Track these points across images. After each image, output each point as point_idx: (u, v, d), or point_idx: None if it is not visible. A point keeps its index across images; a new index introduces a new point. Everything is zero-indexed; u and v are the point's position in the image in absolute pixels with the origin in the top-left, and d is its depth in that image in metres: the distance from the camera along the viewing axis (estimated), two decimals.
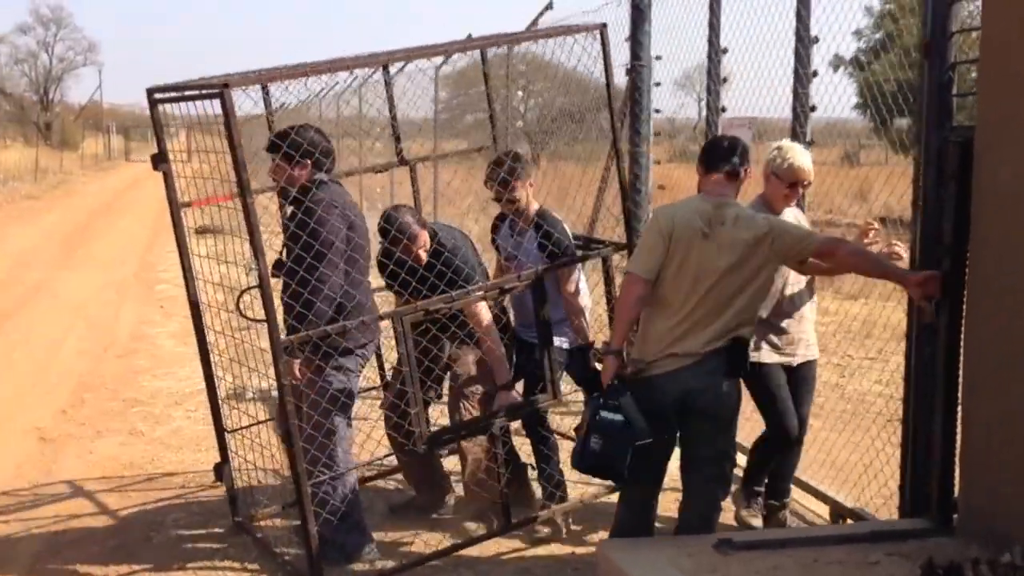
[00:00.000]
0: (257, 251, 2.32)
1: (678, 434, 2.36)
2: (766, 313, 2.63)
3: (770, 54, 3.04)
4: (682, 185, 3.71)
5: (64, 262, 8.86)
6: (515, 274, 2.76)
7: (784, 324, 2.68)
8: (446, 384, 3.03)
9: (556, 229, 2.83)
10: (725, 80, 3.37)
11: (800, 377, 2.72)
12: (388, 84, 3.05)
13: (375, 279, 2.89)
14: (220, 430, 2.95)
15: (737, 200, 2.40)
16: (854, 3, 2.83)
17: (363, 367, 2.73)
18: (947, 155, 2.16)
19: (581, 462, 2.32)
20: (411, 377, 2.53)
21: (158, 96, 2.71)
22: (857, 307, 4.14)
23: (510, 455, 2.93)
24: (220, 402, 2.95)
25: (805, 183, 2.67)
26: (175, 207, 2.78)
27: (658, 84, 3.66)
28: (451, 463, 3.21)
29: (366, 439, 3.18)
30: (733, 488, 2.91)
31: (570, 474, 3.04)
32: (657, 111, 3.72)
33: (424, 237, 2.68)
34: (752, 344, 2.62)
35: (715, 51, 3.36)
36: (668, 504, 2.71)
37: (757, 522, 2.79)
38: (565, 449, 2.97)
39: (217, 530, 2.98)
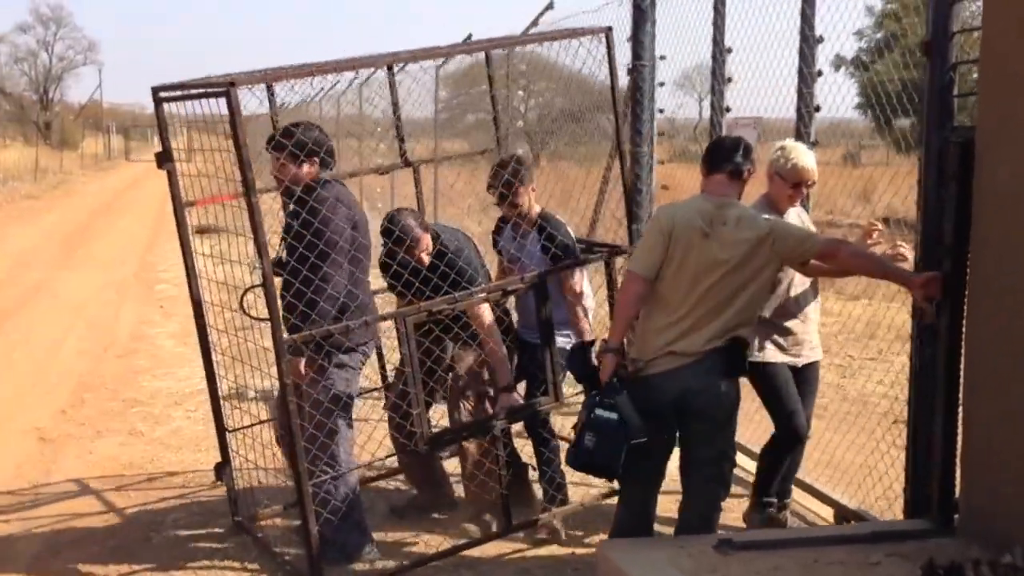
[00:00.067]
0: (261, 250, 2.32)
1: (677, 434, 2.36)
2: (769, 313, 2.62)
3: (774, 53, 3.04)
4: (684, 185, 3.71)
5: (64, 262, 8.85)
6: (518, 276, 2.76)
7: (790, 325, 2.67)
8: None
9: (559, 231, 2.84)
10: (730, 80, 3.35)
11: (804, 378, 2.72)
12: (393, 85, 3.04)
13: (375, 280, 2.89)
14: (221, 430, 2.95)
15: (740, 200, 2.39)
16: (856, 3, 2.83)
17: (364, 364, 2.74)
18: (948, 155, 2.16)
19: (575, 459, 2.33)
20: (413, 378, 2.54)
21: (163, 95, 2.71)
22: (859, 308, 4.14)
23: (511, 456, 2.93)
24: (221, 402, 2.95)
25: (809, 183, 2.66)
26: (179, 206, 2.78)
27: (662, 84, 3.66)
28: (452, 464, 3.21)
29: (367, 440, 3.18)
30: (745, 505, 2.91)
31: (571, 476, 3.05)
32: (661, 111, 3.71)
33: (427, 240, 2.69)
34: (756, 344, 2.62)
35: (720, 50, 3.34)
36: (668, 505, 2.70)
37: None
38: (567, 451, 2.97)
39: (217, 530, 2.97)
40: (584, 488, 3.16)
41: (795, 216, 2.68)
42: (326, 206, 2.51)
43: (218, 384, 2.91)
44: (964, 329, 2.15)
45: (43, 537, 2.96)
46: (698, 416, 2.28)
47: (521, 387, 2.94)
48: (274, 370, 2.49)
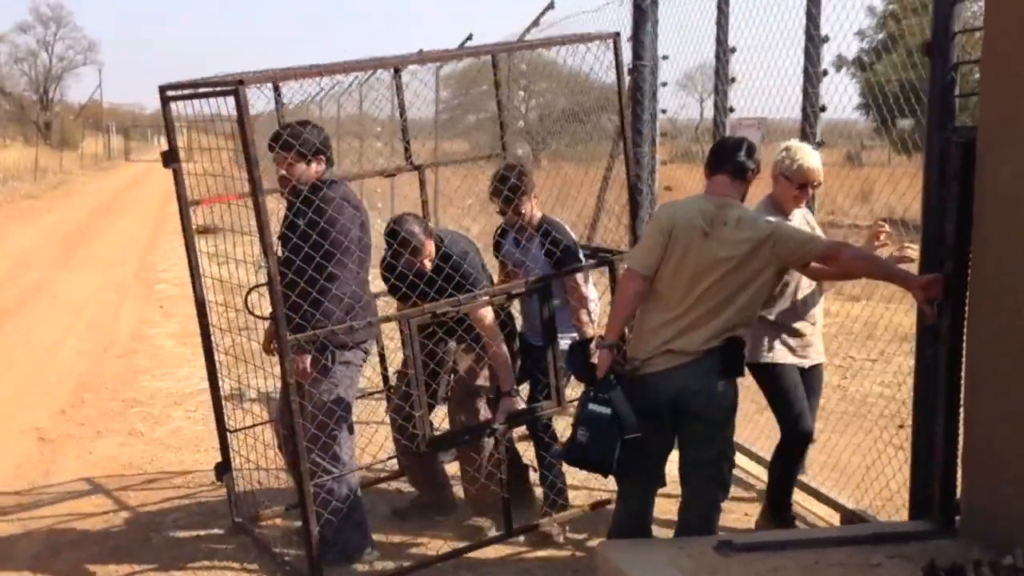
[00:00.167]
0: (267, 249, 2.31)
1: (676, 435, 2.36)
2: (776, 315, 2.61)
3: (779, 53, 3.01)
4: (686, 186, 3.70)
5: (64, 262, 8.85)
6: (523, 280, 2.77)
7: (799, 326, 2.65)
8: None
9: (563, 235, 2.85)
10: (733, 80, 3.34)
11: (809, 380, 2.71)
12: (399, 88, 3.03)
13: (374, 281, 2.89)
14: (222, 430, 2.94)
15: (744, 200, 2.39)
16: (858, 3, 2.82)
17: (365, 361, 2.74)
18: (949, 156, 2.16)
19: (568, 454, 2.34)
20: (416, 379, 2.53)
21: (171, 93, 2.70)
22: (859, 309, 4.13)
23: (512, 458, 2.93)
24: (223, 401, 2.95)
25: (815, 184, 2.65)
26: (184, 205, 2.78)
27: (664, 84, 3.65)
28: (453, 467, 3.21)
29: (368, 443, 3.17)
30: (746, 506, 2.90)
31: (572, 479, 3.05)
32: (663, 111, 3.71)
33: (430, 247, 2.69)
34: (766, 345, 2.61)
35: (723, 50, 3.33)
36: (668, 507, 2.70)
37: None
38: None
39: (217, 531, 2.97)
40: (585, 492, 3.15)
41: (800, 217, 2.66)
42: (332, 206, 2.52)
43: (220, 384, 2.90)
44: (965, 330, 2.15)
45: (43, 537, 2.95)
46: (695, 416, 2.27)
47: (524, 389, 2.94)
48: (277, 370, 2.48)
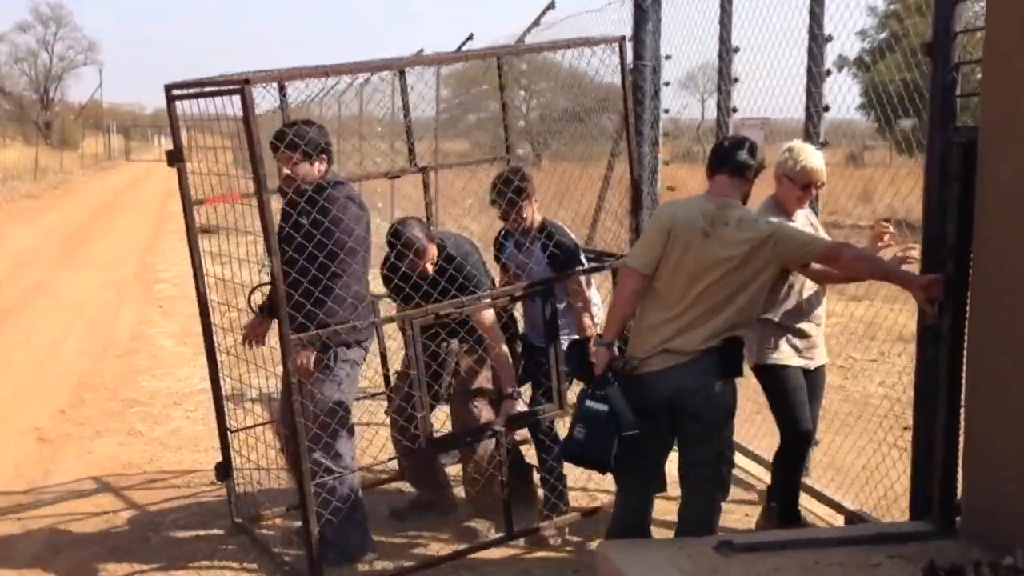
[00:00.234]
0: (271, 248, 2.31)
1: (675, 435, 2.36)
2: (779, 317, 2.60)
3: (782, 53, 3.00)
4: (688, 187, 3.70)
5: (64, 262, 8.85)
6: (526, 282, 2.77)
7: (804, 327, 2.64)
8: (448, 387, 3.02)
9: (565, 238, 2.84)
10: (736, 80, 3.33)
11: (812, 382, 2.70)
12: (404, 90, 3.03)
13: (374, 280, 2.89)
14: (223, 429, 2.94)
15: (748, 200, 2.38)
16: (860, 2, 2.81)
17: (365, 358, 2.75)
18: (950, 156, 2.15)
19: (566, 451, 2.34)
20: (419, 380, 2.53)
21: (176, 92, 2.70)
22: (860, 309, 4.13)
23: (515, 460, 2.93)
24: (224, 401, 2.94)
25: (818, 185, 2.63)
26: (188, 204, 2.79)
27: (667, 84, 3.64)
28: (454, 467, 3.21)
29: (368, 445, 3.17)
30: (746, 507, 2.88)
31: (573, 482, 3.04)
32: (666, 111, 3.70)
33: (432, 251, 2.69)
34: (772, 344, 2.60)
35: (726, 50, 3.32)
36: (669, 508, 2.70)
37: None
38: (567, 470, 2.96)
39: (216, 531, 2.96)
40: (587, 494, 3.15)
41: (803, 218, 2.65)
42: (337, 205, 2.52)
43: (221, 384, 2.90)
44: (966, 329, 2.15)
45: (42, 537, 2.95)
46: (693, 416, 2.27)
47: (526, 391, 2.93)
48: (279, 369, 2.48)
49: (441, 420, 3.08)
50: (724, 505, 2.49)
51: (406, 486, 3.23)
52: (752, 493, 3.23)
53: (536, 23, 5.04)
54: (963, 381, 2.15)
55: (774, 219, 2.44)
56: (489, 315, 2.72)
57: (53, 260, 8.94)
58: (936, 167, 2.19)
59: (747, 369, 2.71)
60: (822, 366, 2.76)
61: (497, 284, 3.00)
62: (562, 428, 3.11)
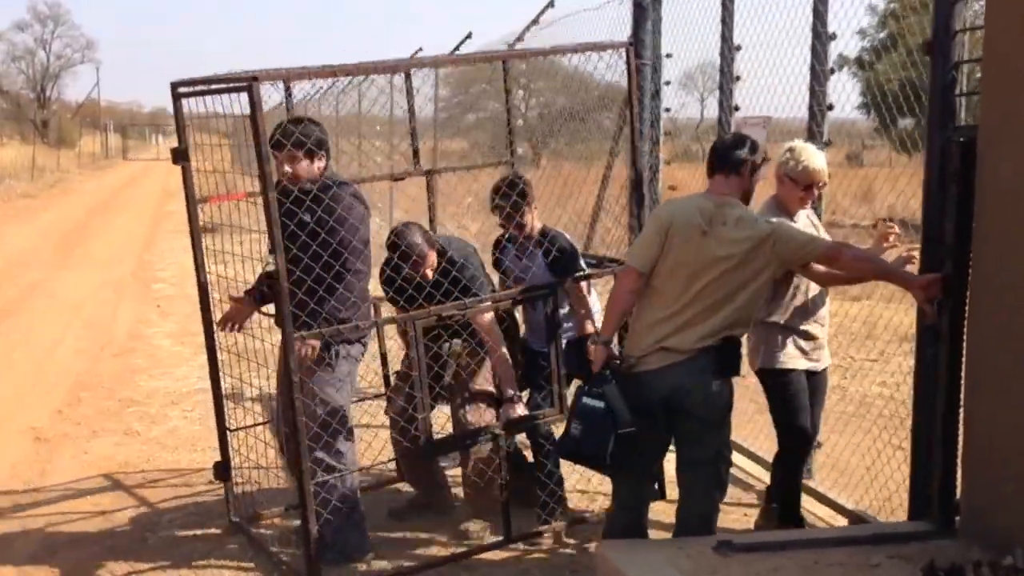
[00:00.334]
0: (276, 245, 2.30)
1: (672, 434, 2.35)
2: (784, 319, 2.58)
3: (785, 51, 2.98)
4: (688, 186, 3.69)
5: (61, 261, 8.82)
6: (528, 286, 2.77)
7: (811, 329, 2.62)
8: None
9: (563, 246, 2.84)
10: (738, 78, 3.32)
11: (816, 384, 2.68)
12: (410, 91, 3.03)
13: (372, 282, 2.88)
14: (222, 429, 2.93)
15: (751, 196, 2.37)
16: (860, 1, 2.80)
17: (363, 355, 2.76)
18: (950, 155, 2.15)
19: (562, 448, 2.34)
20: (420, 382, 2.53)
21: (183, 90, 2.70)
22: (859, 308, 4.13)
23: (516, 460, 2.92)
24: (224, 399, 2.93)
25: (821, 185, 2.61)
26: (191, 202, 2.79)
27: (668, 83, 3.63)
28: (453, 470, 3.20)
29: (367, 448, 3.16)
30: (745, 506, 2.87)
31: (573, 483, 3.03)
32: (667, 110, 3.69)
33: (432, 257, 2.70)
34: (779, 345, 2.58)
35: (728, 48, 3.31)
36: (667, 508, 2.69)
37: None
38: (567, 466, 2.95)
39: (214, 530, 2.96)
40: (587, 498, 3.14)
41: (805, 218, 2.63)
42: (342, 204, 2.54)
43: (222, 383, 2.89)
44: (965, 328, 2.15)
45: (39, 537, 2.94)
46: (689, 415, 2.27)
47: (525, 395, 2.92)
48: (278, 369, 2.46)
49: (441, 422, 3.07)
50: (723, 505, 2.49)
51: (405, 486, 3.23)
52: (751, 493, 3.23)
53: (535, 22, 5.03)
54: (962, 380, 2.15)
55: (774, 219, 2.44)
56: (488, 315, 2.72)
57: (50, 259, 8.92)
58: (936, 166, 2.19)
59: (746, 369, 2.71)
60: (827, 368, 2.74)
61: (497, 290, 3.00)
62: (560, 429, 3.11)
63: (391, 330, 3.17)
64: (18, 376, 4.81)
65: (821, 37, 2.88)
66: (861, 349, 4.42)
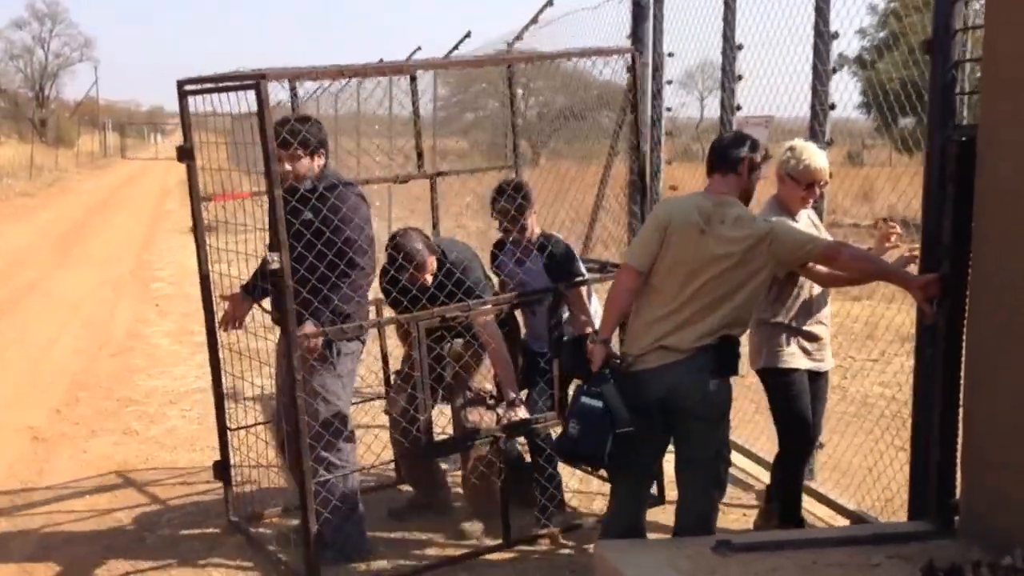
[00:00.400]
0: (281, 243, 2.30)
1: (671, 434, 2.35)
2: (788, 319, 2.57)
3: (787, 50, 2.97)
4: (688, 185, 3.69)
5: (59, 260, 8.81)
6: (532, 290, 2.77)
7: (814, 329, 2.61)
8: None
9: (563, 250, 2.84)
10: (740, 78, 3.31)
11: (820, 384, 2.67)
12: (415, 93, 3.02)
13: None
14: (223, 428, 2.92)
15: (750, 193, 2.36)
16: (860, 0, 2.79)
17: (362, 351, 2.77)
18: (950, 154, 2.14)
19: (560, 448, 2.34)
20: (422, 383, 2.54)
21: (189, 88, 2.70)
22: (860, 308, 4.12)
23: (517, 462, 2.92)
24: (226, 398, 2.92)
25: (822, 183, 2.60)
26: (196, 200, 2.79)
27: (670, 82, 3.62)
28: (454, 471, 3.20)
29: (366, 450, 3.15)
30: (743, 507, 2.86)
31: (576, 484, 3.03)
32: (668, 109, 3.68)
33: (432, 263, 2.71)
34: (783, 345, 2.57)
35: (730, 47, 3.30)
36: (667, 511, 2.69)
37: None
38: (567, 468, 2.96)
39: (212, 530, 2.95)
40: (588, 498, 3.13)
41: (806, 218, 2.62)
42: (348, 204, 2.55)
43: (224, 382, 2.89)
44: (965, 327, 2.14)
45: (37, 537, 2.93)
46: (688, 415, 2.26)
47: (524, 393, 2.92)
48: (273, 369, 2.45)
49: (442, 424, 3.06)
50: (722, 505, 2.49)
51: (404, 486, 3.22)
52: (750, 493, 3.22)
53: (534, 20, 5.02)
54: (961, 380, 2.14)
55: (773, 218, 2.43)
56: (490, 319, 2.72)
57: (48, 258, 8.90)
58: (936, 165, 2.18)
59: (746, 369, 2.70)
60: (828, 370, 2.73)
61: (497, 292, 3.00)
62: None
63: (392, 330, 3.16)
64: (16, 375, 4.80)
65: (823, 36, 2.87)
66: (862, 349, 4.42)
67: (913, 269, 2.37)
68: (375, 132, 8.81)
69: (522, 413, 2.72)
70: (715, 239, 2.24)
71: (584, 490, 3.19)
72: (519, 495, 2.87)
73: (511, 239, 2.89)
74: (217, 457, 2.97)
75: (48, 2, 38.30)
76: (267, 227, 2.72)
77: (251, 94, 2.32)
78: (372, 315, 2.98)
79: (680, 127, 4.36)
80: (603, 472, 2.73)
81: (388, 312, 2.94)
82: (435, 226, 3.19)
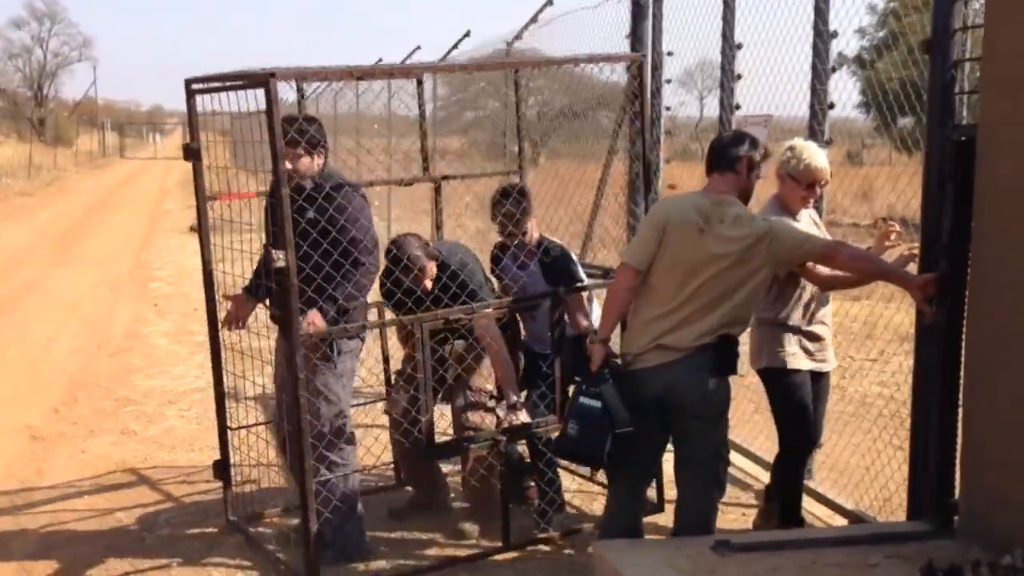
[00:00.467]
0: (288, 241, 2.31)
1: (670, 433, 2.35)
2: (790, 319, 2.56)
3: (786, 49, 2.97)
4: (687, 184, 3.69)
5: (58, 260, 8.80)
6: (533, 294, 2.77)
7: (816, 329, 2.60)
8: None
9: (562, 256, 2.84)
10: (739, 77, 3.31)
11: (822, 384, 2.67)
12: (422, 96, 3.02)
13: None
14: (223, 427, 2.91)
15: (751, 194, 2.36)
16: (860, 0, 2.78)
17: (362, 350, 2.77)
18: (949, 153, 2.14)
19: (559, 448, 2.33)
20: (425, 385, 2.54)
21: (196, 87, 2.70)
22: (859, 308, 4.12)
23: (517, 464, 2.92)
24: (226, 397, 2.91)
25: (823, 183, 2.60)
26: (202, 199, 2.79)
27: (669, 81, 3.62)
28: (452, 467, 3.19)
29: (366, 453, 3.15)
30: (744, 506, 2.86)
31: (578, 484, 3.02)
32: (667, 108, 3.68)
33: (431, 268, 2.72)
34: (786, 347, 2.56)
35: (729, 46, 3.30)
36: (665, 515, 2.68)
37: None
38: (567, 470, 2.96)
39: (210, 530, 2.95)
40: (589, 497, 3.13)
41: (807, 218, 2.61)
42: (355, 204, 2.57)
43: (225, 381, 2.88)
44: (964, 327, 2.14)
45: (35, 537, 2.93)
46: (686, 413, 2.26)
47: (523, 393, 2.92)
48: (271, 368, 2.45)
49: (443, 427, 3.06)
50: (721, 505, 2.49)
51: (404, 484, 3.22)
52: (749, 493, 3.22)
53: (534, 19, 5.02)
54: (960, 379, 2.14)
55: (773, 217, 2.43)
56: (490, 322, 2.72)
57: (47, 258, 8.89)
58: (935, 165, 2.18)
59: (745, 368, 2.70)
60: (830, 370, 2.72)
61: (496, 294, 3.00)
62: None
63: (392, 331, 3.16)
64: (14, 375, 4.80)
65: (823, 35, 2.87)
66: (861, 349, 4.42)
67: (913, 268, 2.37)
68: (374, 132, 8.80)
69: (523, 417, 2.71)
70: (714, 238, 2.24)
71: (585, 490, 3.18)
72: (519, 495, 2.87)
73: (507, 242, 2.90)
74: (216, 456, 2.96)
75: (47, 1, 38.29)
76: (263, 226, 2.73)
77: (252, 93, 2.33)
78: (374, 316, 2.99)
79: (679, 126, 4.36)
80: (602, 479, 2.74)
81: (389, 313, 2.94)
82: (438, 229, 3.19)
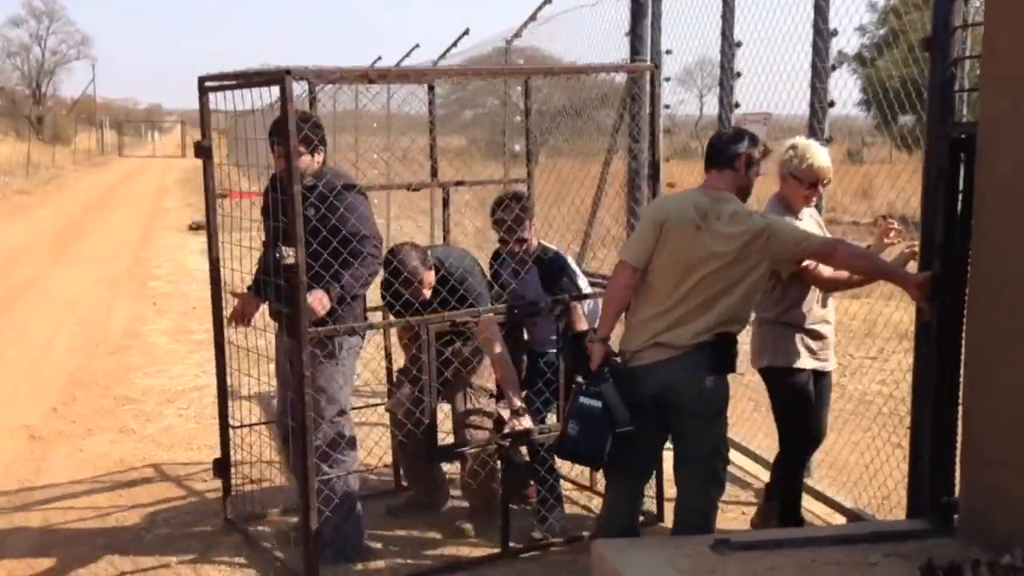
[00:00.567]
0: (297, 240, 2.31)
1: (668, 431, 2.34)
2: (792, 318, 2.54)
3: (786, 48, 2.97)
4: (686, 183, 3.68)
5: (56, 258, 8.79)
6: (535, 299, 2.78)
7: (818, 328, 2.59)
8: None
9: (561, 263, 2.84)
10: (739, 75, 3.31)
11: (823, 384, 2.66)
12: (432, 103, 3.00)
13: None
14: (225, 426, 2.91)
15: (750, 192, 2.36)
16: None
17: (362, 347, 2.78)
18: (949, 151, 2.14)
19: (560, 448, 2.33)
20: (429, 387, 2.54)
21: (210, 84, 2.70)
22: (858, 306, 4.12)
23: (517, 467, 2.92)
24: (228, 396, 2.90)
25: (825, 182, 2.58)
26: (211, 197, 2.79)
27: (668, 79, 3.62)
28: (452, 467, 3.19)
29: (367, 455, 3.15)
30: (743, 505, 2.86)
31: (571, 486, 3.02)
32: (667, 107, 3.67)
33: (430, 277, 2.72)
34: (787, 348, 2.54)
35: (728, 44, 3.30)
36: (667, 509, 2.68)
37: None
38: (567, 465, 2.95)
39: (209, 529, 2.95)
40: (589, 496, 3.13)
41: (809, 217, 2.60)
42: (363, 204, 2.59)
43: (228, 379, 2.87)
44: (964, 326, 2.14)
45: (34, 536, 2.92)
46: (684, 411, 2.26)
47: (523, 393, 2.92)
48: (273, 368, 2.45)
49: (446, 429, 3.05)
50: (720, 503, 2.48)
51: (402, 483, 3.21)
52: (749, 492, 3.22)
53: (533, 18, 5.01)
54: (960, 378, 2.14)
55: (772, 215, 2.42)
56: (492, 326, 2.72)
57: (45, 256, 8.88)
58: (935, 163, 2.18)
59: (745, 367, 2.69)
60: (831, 369, 2.71)
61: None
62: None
63: (393, 333, 3.16)
64: (12, 374, 4.79)
65: (823, 33, 2.87)
66: (860, 347, 4.42)
67: (913, 266, 2.36)
68: (373, 131, 8.78)
69: (527, 423, 2.70)
70: (711, 235, 2.23)
71: (591, 489, 3.18)
72: (519, 495, 2.86)
73: (508, 250, 2.89)
74: (215, 455, 2.96)
75: None
76: (262, 224, 2.72)
77: (253, 92, 2.33)
78: (375, 317, 2.99)
79: (679, 124, 4.35)
80: (600, 489, 2.73)
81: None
82: (446, 235, 3.19)
